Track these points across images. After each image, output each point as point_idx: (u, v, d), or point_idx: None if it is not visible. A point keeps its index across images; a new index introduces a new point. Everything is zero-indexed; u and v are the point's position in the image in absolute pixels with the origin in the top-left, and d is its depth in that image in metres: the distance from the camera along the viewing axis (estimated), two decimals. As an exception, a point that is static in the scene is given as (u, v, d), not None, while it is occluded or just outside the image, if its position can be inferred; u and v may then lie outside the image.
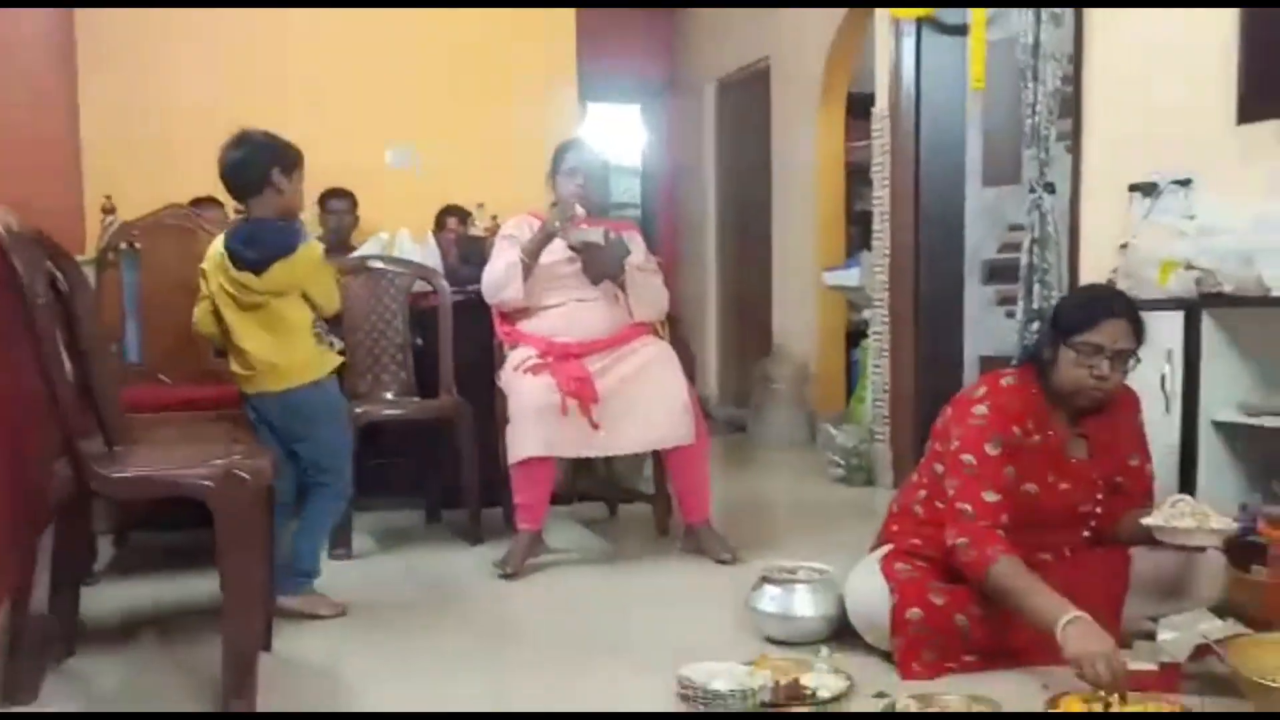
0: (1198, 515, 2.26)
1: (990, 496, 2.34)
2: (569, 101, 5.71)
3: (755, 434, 6.29)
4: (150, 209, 3.57)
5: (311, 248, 2.93)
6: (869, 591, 2.44)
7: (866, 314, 5.02)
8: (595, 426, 3.27)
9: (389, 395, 3.76)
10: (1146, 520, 2.32)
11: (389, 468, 4.03)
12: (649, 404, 3.34)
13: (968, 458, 2.38)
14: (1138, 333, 2.40)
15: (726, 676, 2.15)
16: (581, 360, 3.34)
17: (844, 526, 3.71)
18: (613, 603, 3.02)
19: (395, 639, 2.69)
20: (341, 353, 3.11)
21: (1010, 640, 2.37)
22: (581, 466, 4.13)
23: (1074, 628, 2.10)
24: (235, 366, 2.89)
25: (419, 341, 3.88)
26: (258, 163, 2.81)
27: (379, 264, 3.87)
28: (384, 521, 3.92)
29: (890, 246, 4.57)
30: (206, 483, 2.09)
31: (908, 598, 2.37)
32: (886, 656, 2.40)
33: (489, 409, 3.58)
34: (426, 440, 3.91)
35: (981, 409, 2.42)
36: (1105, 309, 2.40)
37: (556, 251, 3.46)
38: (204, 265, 2.92)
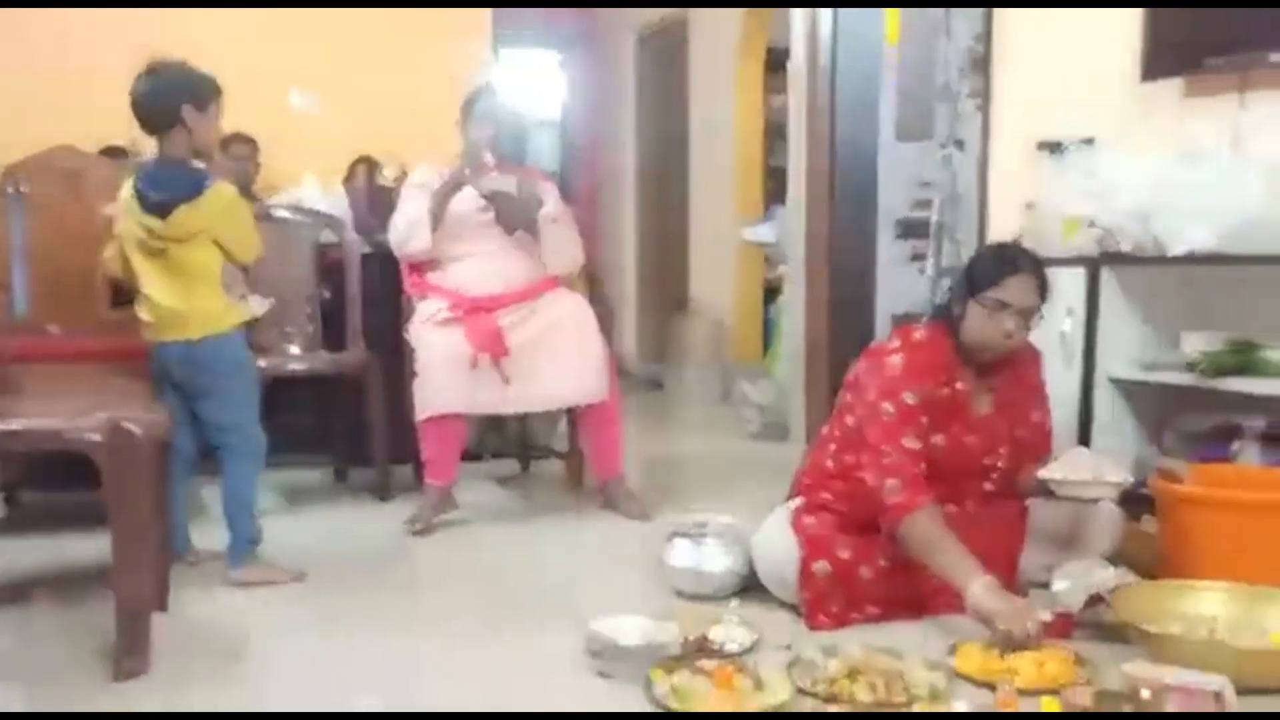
0: (1093, 468, 2.32)
1: (911, 443, 2.37)
2: (481, 47, 5.57)
3: (673, 391, 6.31)
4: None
5: (219, 191, 2.73)
6: (777, 547, 2.46)
7: (782, 270, 5.04)
8: (506, 382, 3.23)
9: (294, 349, 3.66)
10: (1044, 473, 2.37)
11: (295, 424, 3.92)
12: (562, 360, 3.31)
13: (887, 406, 2.39)
14: (1043, 290, 2.44)
15: (634, 631, 2.15)
16: (493, 314, 3.28)
17: (758, 481, 3.73)
18: (524, 560, 3.00)
19: (300, 599, 2.64)
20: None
21: (913, 590, 2.43)
22: (493, 423, 4.09)
23: (984, 590, 2.17)
24: (141, 313, 2.76)
25: (326, 294, 3.79)
26: (169, 96, 2.63)
27: (284, 214, 3.75)
28: (290, 480, 3.83)
29: (805, 202, 4.57)
30: (93, 436, 2.01)
31: (815, 552, 2.39)
32: (794, 609, 2.43)
33: (398, 364, 3.51)
34: (334, 396, 3.83)
35: (896, 360, 2.44)
36: (1013, 266, 2.43)
37: (467, 201, 3.38)
38: (116, 206, 2.78)
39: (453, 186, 3.35)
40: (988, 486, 2.53)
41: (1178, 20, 2.93)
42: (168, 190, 2.66)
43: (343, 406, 3.83)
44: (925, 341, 2.48)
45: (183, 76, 2.68)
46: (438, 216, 3.35)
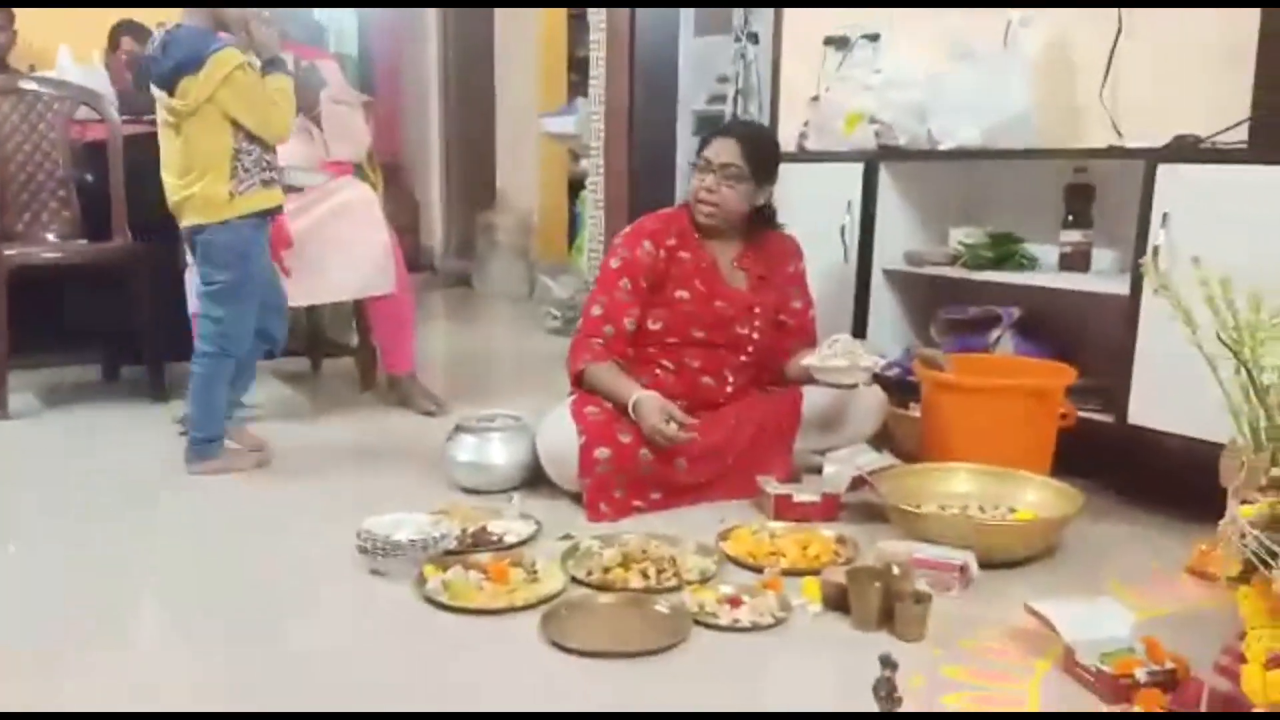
0: (850, 354, 2.40)
1: (596, 310, 2.54)
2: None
3: (479, 286, 6.20)
4: None
5: (221, 58, 2.54)
6: (559, 435, 2.46)
7: (585, 164, 4.98)
8: (288, 273, 3.06)
9: (50, 237, 3.37)
10: (805, 360, 2.47)
11: (57, 319, 3.64)
12: (347, 250, 3.16)
13: (598, 275, 2.59)
14: (748, 154, 2.51)
15: (408, 527, 2.11)
16: None
17: (555, 377, 3.68)
18: (308, 459, 2.89)
19: (56, 501, 2.48)
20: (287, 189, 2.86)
21: (694, 476, 2.49)
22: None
23: (640, 405, 2.37)
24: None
25: (88, 177, 3.49)
26: None
27: (32, 85, 3.40)
28: (54, 378, 3.58)
29: (606, 94, 4.51)
30: None
31: (595, 438, 2.41)
32: (576, 499, 2.44)
33: (171, 253, 3.29)
34: (100, 288, 3.55)
35: (625, 230, 2.62)
36: (722, 129, 2.61)
37: None
38: None
39: None
40: (743, 359, 2.60)
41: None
42: (170, 60, 2.57)
43: (111, 300, 3.56)
44: (660, 214, 2.65)
45: None
46: None
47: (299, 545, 2.21)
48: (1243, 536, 1.36)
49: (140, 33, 4.50)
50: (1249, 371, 1.47)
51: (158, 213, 3.15)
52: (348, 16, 7.38)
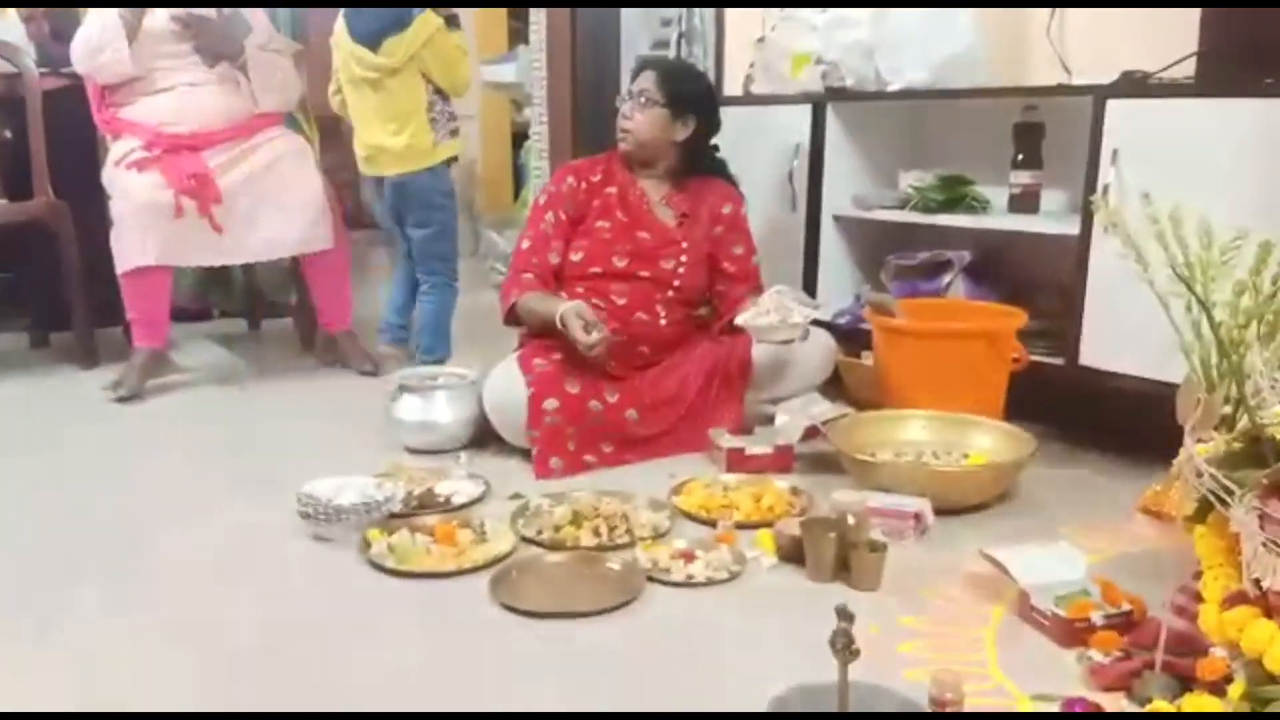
0: (781, 309, 2.36)
1: (524, 244, 2.59)
2: None
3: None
4: None
5: (426, 19, 2.94)
6: (506, 387, 2.40)
7: (528, 113, 4.86)
8: (218, 230, 2.95)
9: (-34, 198, 3.22)
10: (738, 319, 2.42)
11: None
12: (280, 204, 3.04)
13: (527, 213, 2.65)
14: (660, 81, 2.56)
15: (351, 491, 2.04)
16: (199, 154, 2.96)
17: (499, 333, 3.62)
18: (246, 423, 2.82)
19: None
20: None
21: (645, 428, 2.45)
22: (216, 277, 3.81)
23: (564, 318, 2.35)
24: (356, 148, 3.10)
25: (6, 134, 3.34)
26: None
27: (-61, 40, 3.23)
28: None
29: (547, 40, 4.38)
30: None
31: (544, 389, 2.37)
32: (525, 456, 2.39)
33: (98, 213, 3.16)
34: (25, 251, 3.41)
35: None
36: (641, 63, 2.69)
37: (163, 19, 2.98)
38: (332, 38, 3.05)
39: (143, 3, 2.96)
40: (671, 294, 2.56)
41: None
42: (377, 20, 2.93)
43: (37, 263, 3.42)
44: (594, 156, 2.70)
45: None
46: (133, 27, 2.94)
47: (239, 512, 2.13)
48: (1199, 475, 1.34)
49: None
50: (1204, 306, 1.45)
51: (82, 171, 3.05)
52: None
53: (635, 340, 2.52)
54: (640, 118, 2.55)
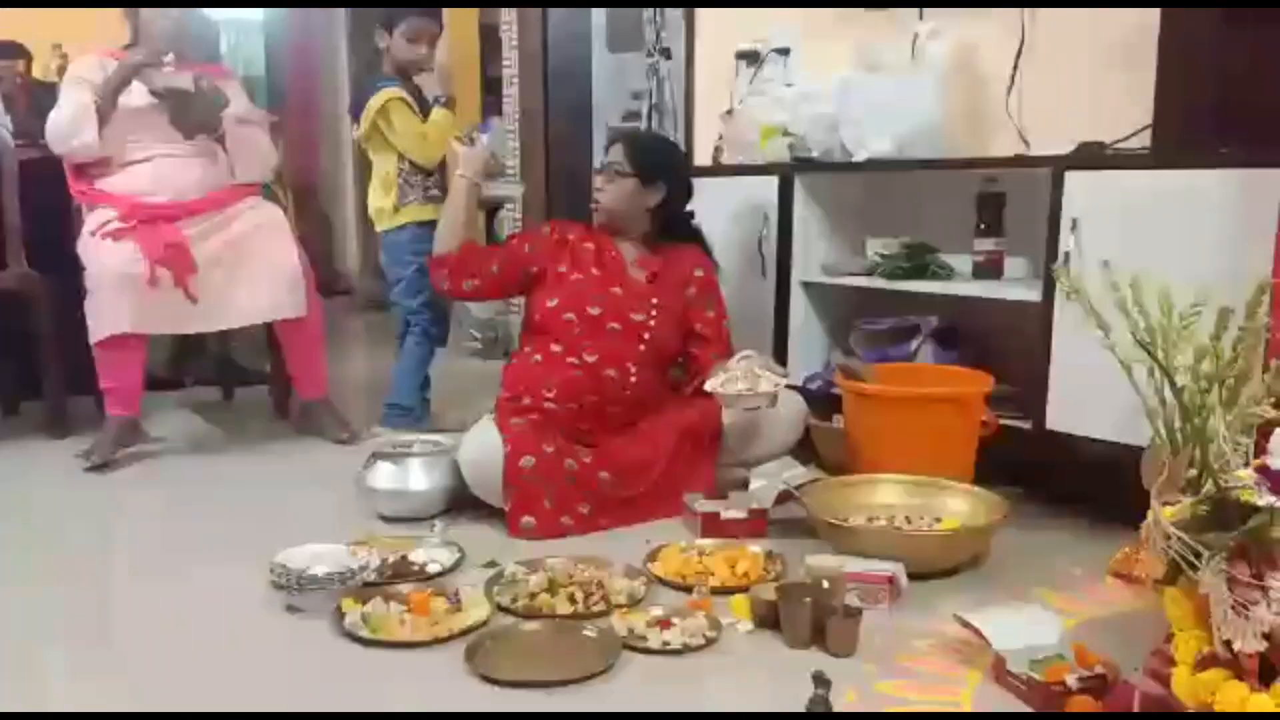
0: (749, 376, 2.39)
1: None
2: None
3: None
4: None
5: (378, 96, 3.14)
6: (483, 445, 2.41)
7: (502, 183, 4.92)
8: (194, 299, 2.95)
9: (-62, 268, 3.21)
10: (707, 385, 2.45)
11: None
12: (255, 273, 3.05)
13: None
14: (629, 152, 2.67)
15: (325, 559, 2.03)
16: (175, 224, 2.97)
17: (475, 399, 3.64)
18: (218, 491, 2.79)
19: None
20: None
21: (617, 489, 2.47)
22: (191, 346, 3.80)
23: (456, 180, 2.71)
24: None
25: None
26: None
27: (-85, 113, 3.25)
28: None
29: (520, 111, 4.47)
30: None
31: (520, 447, 2.39)
32: (500, 522, 2.39)
33: (72, 283, 3.15)
34: (-3, 321, 3.40)
35: None
36: (612, 136, 2.95)
37: (139, 96, 3.02)
38: None
39: (121, 79, 2.99)
40: (642, 348, 2.60)
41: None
42: (361, 96, 3.25)
43: (8, 332, 3.40)
44: (574, 223, 2.79)
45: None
46: (105, 112, 2.98)
47: (211, 582, 2.11)
48: (1167, 538, 1.37)
49: (20, 54, 4.31)
50: (1166, 372, 1.49)
51: (56, 241, 3.05)
52: (254, 36, 7.23)
53: (605, 400, 2.54)
54: (611, 188, 2.65)
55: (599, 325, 2.58)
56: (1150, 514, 1.60)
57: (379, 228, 3.32)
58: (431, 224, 3.10)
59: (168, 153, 3.08)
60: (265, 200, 3.27)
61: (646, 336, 2.60)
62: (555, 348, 2.58)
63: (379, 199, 3.27)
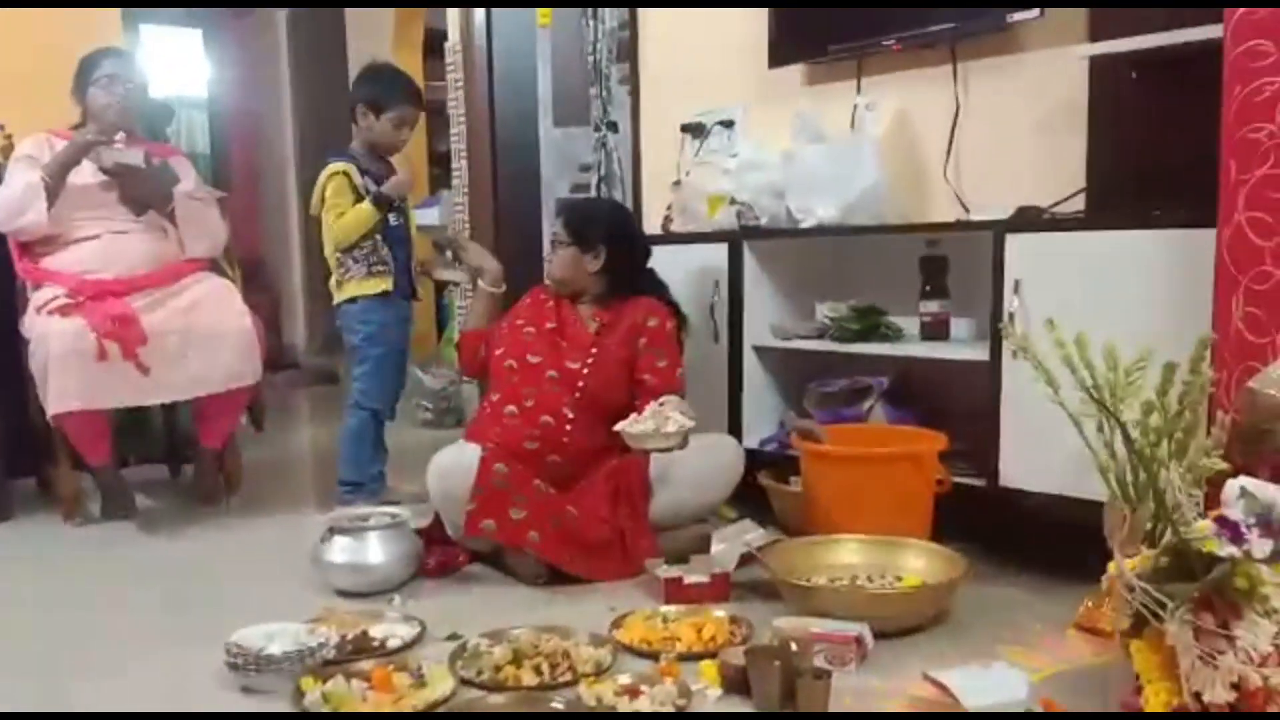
0: (657, 418, 2.45)
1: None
2: (109, 19, 5.00)
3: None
4: None
5: (324, 172, 3.09)
6: (456, 455, 2.51)
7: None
8: (144, 371, 2.90)
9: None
10: (616, 426, 2.51)
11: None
12: (208, 341, 3.02)
13: None
14: (566, 222, 2.84)
15: (283, 638, 1.99)
16: (123, 298, 2.95)
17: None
18: (168, 572, 2.72)
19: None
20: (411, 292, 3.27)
21: (585, 531, 2.51)
22: (135, 426, 3.72)
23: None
24: None
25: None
26: (353, 94, 3.15)
27: None
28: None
29: (468, 184, 4.51)
30: None
31: (496, 455, 2.48)
32: (461, 592, 2.35)
33: (14, 364, 3.10)
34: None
35: None
36: (556, 209, 3.03)
37: (87, 174, 3.02)
38: None
39: (71, 156, 2.98)
40: (577, 395, 2.66)
41: (799, 14, 3.11)
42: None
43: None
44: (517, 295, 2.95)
45: (370, 78, 3.18)
46: (54, 190, 2.96)
47: (162, 664, 2.05)
48: (1131, 590, 1.39)
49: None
50: (1121, 426, 1.53)
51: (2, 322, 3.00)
52: (198, 115, 7.22)
53: (544, 447, 2.60)
54: (555, 259, 2.82)
55: (538, 373, 2.68)
56: (1113, 566, 1.63)
57: (334, 300, 3.24)
58: (378, 297, 3.10)
59: (117, 229, 3.08)
60: (213, 274, 3.25)
61: (580, 384, 2.66)
62: (494, 396, 2.70)
63: (328, 272, 3.23)
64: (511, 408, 2.63)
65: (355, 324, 3.16)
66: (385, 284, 3.11)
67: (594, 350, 2.70)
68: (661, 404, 2.49)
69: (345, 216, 3.07)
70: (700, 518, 2.66)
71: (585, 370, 2.68)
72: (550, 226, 2.91)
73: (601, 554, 2.51)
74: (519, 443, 2.57)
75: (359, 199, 3.06)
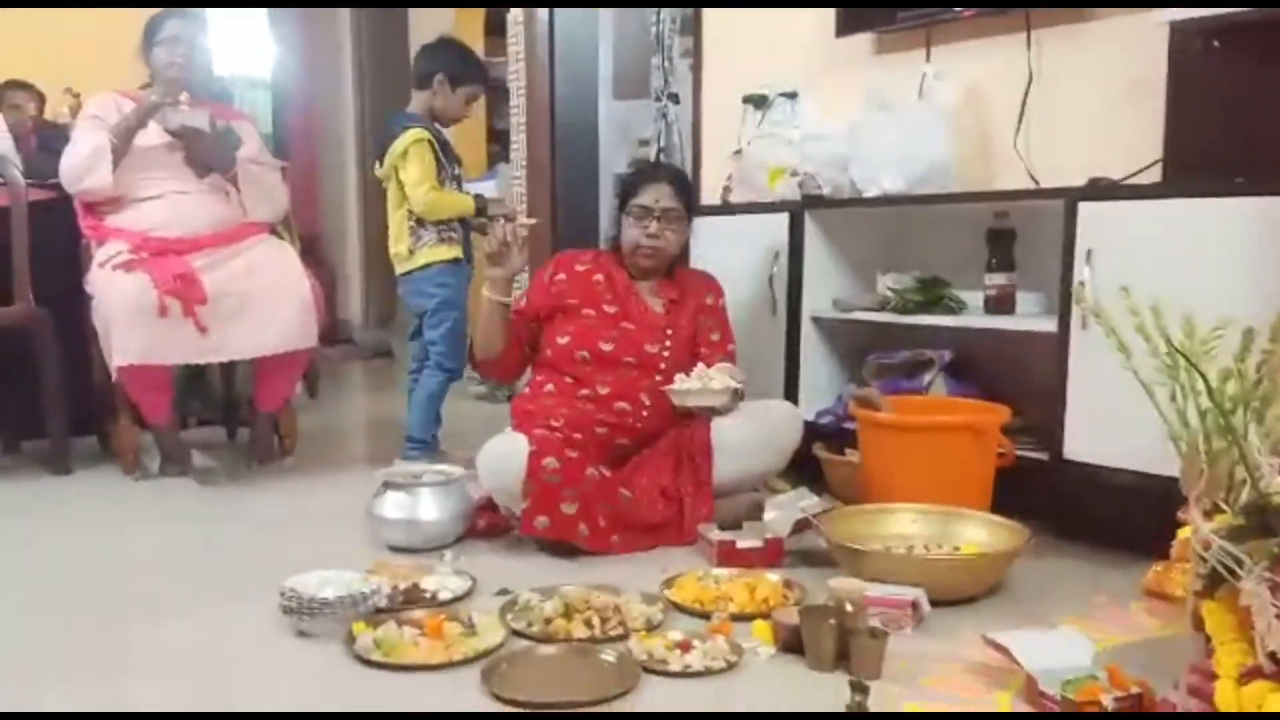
0: (702, 378, 2.42)
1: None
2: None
3: (402, 358, 6.07)
4: None
5: (405, 136, 3.11)
6: (505, 447, 2.41)
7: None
8: (203, 330, 2.94)
9: (-56, 303, 3.19)
10: (665, 387, 2.48)
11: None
12: (266, 303, 3.05)
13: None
14: (680, 194, 2.65)
15: (336, 585, 1.99)
16: (185, 257, 2.98)
17: (479, 440, 3.62)
18: (224, 526, 2.74)
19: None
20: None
21: (636, 510, 2.46)
22: (194, 386, 3.76)
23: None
24: None
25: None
26: (429, 64, 3.20)
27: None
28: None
29: (526, 158, 4.51)
30: None
31: (545, 449, 2.37)
32: (513, 553, 2.34)
33: (77, 322, 3.15)
34: (1, 357, 3.37)
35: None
36: (649, 175, 2.69)
37: (153, 136, 3.06)
38: None
39: (138, 118, 3.02)
40: (658, 379, 2.57)
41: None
42: (386, 136, 3.20)
43: (12, 369, 3.38)
44: (583, 253, 2.77)
45: (444, 51, 3.28)
46: (120, 151, 3.00)
47: (216, 611, 2.06)
48: (1207, 547, 1.34)
49: (32, 92, 4.34)
50: (1203, 376, 1.47)
51: (63, 280, 3.05)
52: (261, 94, 7.31)
53: (615, 432, 2.54)
54: (671, 236, 2.64)
55: (613, 360, 2.58)
56: (1184, 531, 1.58)
57: (398, 270, 3.27)
58: (451, 262, 3.20)
59: (180, 190, 3.10)
60: (274, 237, 3.28)
61: (663, 367, 2.59)
62: (567, 380, 2.59)
63: (395, 243, 3.25)
64: (585, 391, 2.56)
65: (431, 288, 3.20)
66: (456, 251, 3.22)
67: (669, 332, 2.63)
68: (718, 368, 2.46)
69: (447, 198, 3.17)
70: (756, 486, 2.62)
71: (666, 354, 2.61)
72: (636, 194, 2.66)
73: (655, 532, 2.48)
74: (590, 426, 2.51)
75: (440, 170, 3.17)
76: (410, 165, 3.11)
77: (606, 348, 2.58)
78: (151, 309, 2.85)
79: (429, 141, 3.13)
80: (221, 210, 3.14)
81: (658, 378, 2.58)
